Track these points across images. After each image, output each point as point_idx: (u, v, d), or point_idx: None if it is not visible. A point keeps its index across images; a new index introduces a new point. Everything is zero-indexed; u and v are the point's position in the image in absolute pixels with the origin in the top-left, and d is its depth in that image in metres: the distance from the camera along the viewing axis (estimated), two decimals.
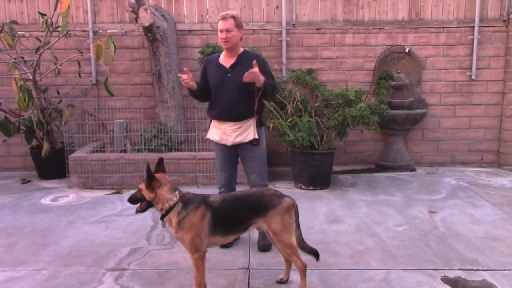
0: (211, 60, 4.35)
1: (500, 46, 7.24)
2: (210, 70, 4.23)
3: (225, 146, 4.26)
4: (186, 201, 3.29)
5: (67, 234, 4.65)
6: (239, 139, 4.18)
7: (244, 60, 4.14)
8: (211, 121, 4.35)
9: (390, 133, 7.20)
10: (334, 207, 5.46)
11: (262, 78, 3.97)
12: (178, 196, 3.28)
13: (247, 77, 3.91)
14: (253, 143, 4.19)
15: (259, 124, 4.28)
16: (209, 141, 4.47)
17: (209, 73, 4.23)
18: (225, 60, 4.21)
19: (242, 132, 4.17)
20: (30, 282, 3.65)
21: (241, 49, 4.25)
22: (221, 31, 4.06)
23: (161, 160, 3.42)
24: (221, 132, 4.23)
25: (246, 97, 4.10)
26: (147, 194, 3.26)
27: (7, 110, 6.64)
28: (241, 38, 4.20)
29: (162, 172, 3.38)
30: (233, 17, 4.08)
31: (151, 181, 3.25)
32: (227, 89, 4.12)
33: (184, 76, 4.07)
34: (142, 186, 3.28)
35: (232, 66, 4.16)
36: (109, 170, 6.24)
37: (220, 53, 4.33)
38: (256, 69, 3.91)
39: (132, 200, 3.37)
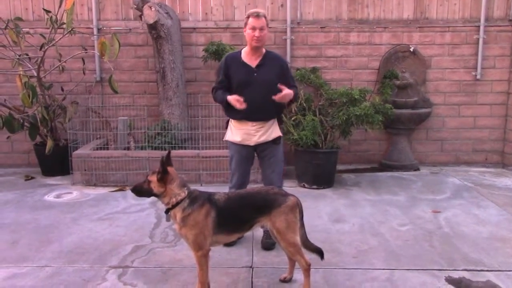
0: (234, 57, 4.22)
1: (506, 45, 7.21)
2: (234, 68, 4.14)
3: (244, 147, 4.21)
4: (193, 198, 3.28)
5: (71, 231, 4.66)
6: (263, 138, 4.16)
7: (269, 61, 4.13)
8: (228, 121, 4.30)
9: (394, 132, 7.18)
10: (338, 206, 5.45)
11: (291, 95, 4.01)
12: (186, 192, 3.27)
13: (278, 99, 3.95)
14: (276, 141, 4.19)
15: (280, 122, 4.29)
16: (227, 142, 4.37)
17: (232, 71, 4.14)
18: (250, 59, 4.13)
19: (266, 130, 4.16)
20: (34, 279, 3.65)
21: (264, 49, 4.19)
22: (254, 28, 3.98)
23: (169, 153, 3.37)
24: (243, 133, 4.18)
25: (271, 98, 4.02)
26: (157, 188, 3.24)
27: (11, 106, 6.65)
28: None
29: (170, 166, 3.33)
30: (265, 16, 4.05)
31: (164, 175, 3.22)
32: (253, 89, 4.04)
33: (243, 105, 3.97)
34: (153, 178, 3.24)
35: (258, 66, 4.10)
36: (112, 167, 6.25)
37: (240, 51, 4.24)
38: (285, 92, 3.93)
39: (137, 191, 3.34)
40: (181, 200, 3.24)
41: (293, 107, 6.33)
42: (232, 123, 4.24)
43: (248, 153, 4.26)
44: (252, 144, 4.18)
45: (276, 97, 3.93)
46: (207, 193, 3.41)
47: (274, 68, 4.06)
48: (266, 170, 4.30)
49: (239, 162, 4.28)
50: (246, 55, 4.16)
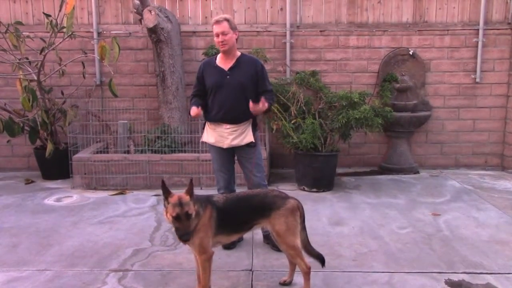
0: (208, 63, 4.35)
1: (505, 48, 7.22)
2: (208, 73, 4.24)
3: (221, 148, 4.27)
4: (199, 204, 3.22)
5: (71, 235, 4.66)
6: (235, 142, 4.21)
7: (243, 63, 4.21)
8: (205, 123, 4.38)
9: (394, 135, 7.19)
10: (338, 209, 5.45)
11: (264, 107, 4.10)
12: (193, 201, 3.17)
13: (252, 108, 4.04)
14: (250, 145, 4.23)
15: (254, 128, 4.32)
16: (205, 143, 4.46)
17: (206, 76, 4.24)
18: (223, 62, 4.22)
19: (239, 135, 4.20)
20: (34, 283, 3.65)
21: (239, 53, 4.28)
22: (217, 34, 4.09)
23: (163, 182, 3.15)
24: (216, 135, 4.25)
25: (244, 100, 4.14)
26: (194, 209, 3.08)
27: (11, 110, 6.66)
28: (236, 40, 4.23)
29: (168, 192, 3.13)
30: (227, 20, 4.13)
31: (192, 192, 3.08)
32: (225, 91, 4.14)
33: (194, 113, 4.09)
34: (189, 207, 3.01)
35: (231, 68, 4.18)
36: (112, 171, 6.25)
37: (216, 56, 4.33)
38: (258, 107, 4.04)
39: (187, 232, 3.02)
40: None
41: (293, 110, 6.34)
42: (208, 124, 4.33)
43: (226, 154, 4.31)
44: (225, 146, 4.23)
45: (252, 106, 4.03)
46: (204, 195, 3.41)
47: (247, 70, 4.16)
48: (247, 173, 4.34)
49: (220, 163, 4.34)
50: (220, 59, 4.26)
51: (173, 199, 3.04)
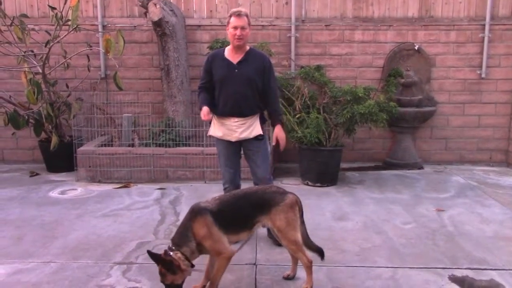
0: (216, 54, 4.30)
1: (511, 44, 7.18)
2: (216, 65, 4.21)
3: (228, 142, 4.26)
4: (185, 239, 3.19)
5: (75, 227, 4.68)
6: (244, 135, 4.20)
7: (251, 57, 4.18)
8: (212, 117, 4.35)
9: (399, 130, 7.17)
10: (342, 204, 5.45)
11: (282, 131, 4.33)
12: (179, 251, 3.15)
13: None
14: (258, 138, 4.23)
15: (262, 120, 4.32)
16: (212, 137, 4.44)
17: (215, 68, 4.20)
18: (232, 55, 4.19)
19: (247, 127, 4.20)
20: (39, 274, 3.67)
21: (248, 47, 4.24)
22: (236, 27, 4.03)
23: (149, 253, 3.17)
24: (224, 128, 4.23)
25: (251, 94, 4.15)
26: (178, 278, 3.14)
27: (16, 103, 6.68)
28: None
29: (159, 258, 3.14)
30: (246, 15, 4.11)
31: (169, 265, 3.08)
32: (233, 84, 4.12)
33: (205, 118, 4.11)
34: (171, 277, 3.10)
35: (240, 62, 4.16)
36: (117, 164, 6.27)
37: (224, 48, 4.30)
38: (282, 137, 4.29)
39: None
40: (184, 254, 3.17)
41: (297, 105, 6.34)
42: (215, 118, 4.29)
43: (233, 148, 4.29)
44: (233, 140, 4.22)
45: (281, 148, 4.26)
46: (191, 207, 3.31)
47: (256, 65, 4.14)
48: (253, 166, 4.32)
49: (226, 157, 4.32)
50: (229, 52, 4.22)
51: (158, 268, 3.12)
